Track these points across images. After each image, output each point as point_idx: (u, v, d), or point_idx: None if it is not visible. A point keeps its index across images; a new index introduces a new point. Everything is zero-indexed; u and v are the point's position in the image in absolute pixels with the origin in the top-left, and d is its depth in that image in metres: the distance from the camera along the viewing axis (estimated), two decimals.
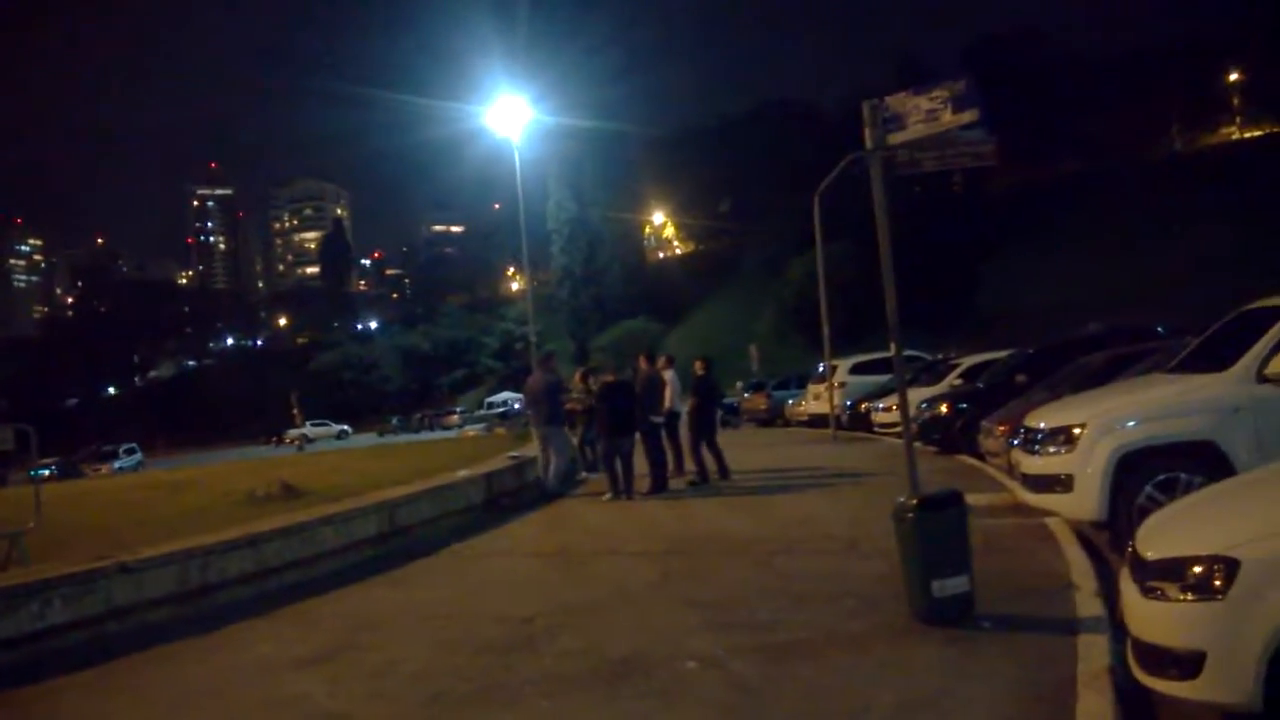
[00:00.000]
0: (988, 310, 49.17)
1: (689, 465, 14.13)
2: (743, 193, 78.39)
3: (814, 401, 23.75)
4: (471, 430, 44.89)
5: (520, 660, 5.50)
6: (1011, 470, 9.15)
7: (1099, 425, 7.14)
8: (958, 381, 16.96)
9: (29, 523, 8.87)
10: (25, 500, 9.33)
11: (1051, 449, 7.48)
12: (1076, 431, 7.25)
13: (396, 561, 9.24)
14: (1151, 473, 6.85)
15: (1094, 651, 4.57)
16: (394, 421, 70.28)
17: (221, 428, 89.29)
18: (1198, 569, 3.67)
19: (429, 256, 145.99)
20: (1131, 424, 7.06)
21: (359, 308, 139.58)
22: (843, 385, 22.00)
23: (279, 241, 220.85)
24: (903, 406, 6.62)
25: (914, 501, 5.40)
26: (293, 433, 61.64)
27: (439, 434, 51.66)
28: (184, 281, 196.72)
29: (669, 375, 14.09)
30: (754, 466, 15.10)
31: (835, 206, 21.26)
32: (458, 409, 70.48)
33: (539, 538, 10.30)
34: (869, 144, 6.24)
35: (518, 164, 27.24)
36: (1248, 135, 68.16)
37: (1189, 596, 3.68)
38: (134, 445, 51.80)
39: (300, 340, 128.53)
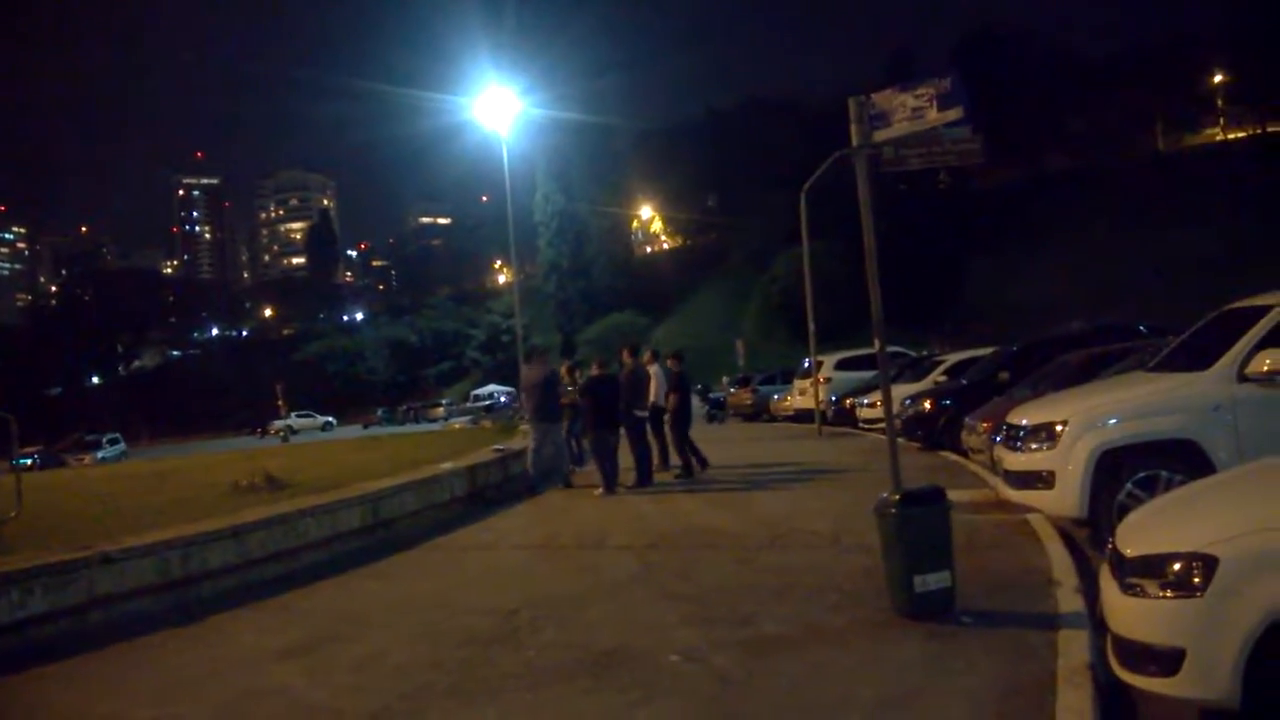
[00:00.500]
0: (972, 307, 49.46)
1: (674, 460, 14.15)
2: (730, 187, 78.55)
3: (799, 397, 23.81)
4: (457, 423, 44.82)
5: (503, 653, 5.50)
6: (994, 467, 9.19)
7: (1080, 423, 7.18)
8: (942, 378, 17.03)
9: (10, 512, 8.81)
10: (6, 489, 9.26)
11: (1033, 446, 7.52)
12: (1058, 429, 7.30)
13: (380, 554, 9.24)
14: (1132, 470, 6.90)
15: (1074, 647, 4.60)
16: (379, 413, 70.12)
17: (206, 418, 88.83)
18: (1177, 566, 3.70)
19: (416, 248, 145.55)
20: (1113, 421, 7.10)
21: (345, 299, 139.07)
22: (828, 381, 22.07)
23: (265, 231, 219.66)
24: (886, 403, 6.64)
25: (897, 497, 5.42)
26: (277, 424, 61.40)
27: (424, 426, 51.54)
28: (169, 271, 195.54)
29: (654, 370, 14.09)
30: (739, 461, 15.14)
31: (822, 202, 21.26)
32: (443, 401, 70.34)
33: (523, 531, 10.31)
34: (855, 140, 6.24)
35: (505, 156, 27.20)
36: (1231, 136, 68.64)
37: (1168, 593, 3.71)
38: (117, 435, 51.46)
39: (286, 331, 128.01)
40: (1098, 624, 4.48)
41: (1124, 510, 6.13)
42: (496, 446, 14.51)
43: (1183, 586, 3.66)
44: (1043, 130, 64.67)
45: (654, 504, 11.24)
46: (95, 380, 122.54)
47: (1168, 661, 3.66)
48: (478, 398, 62.16)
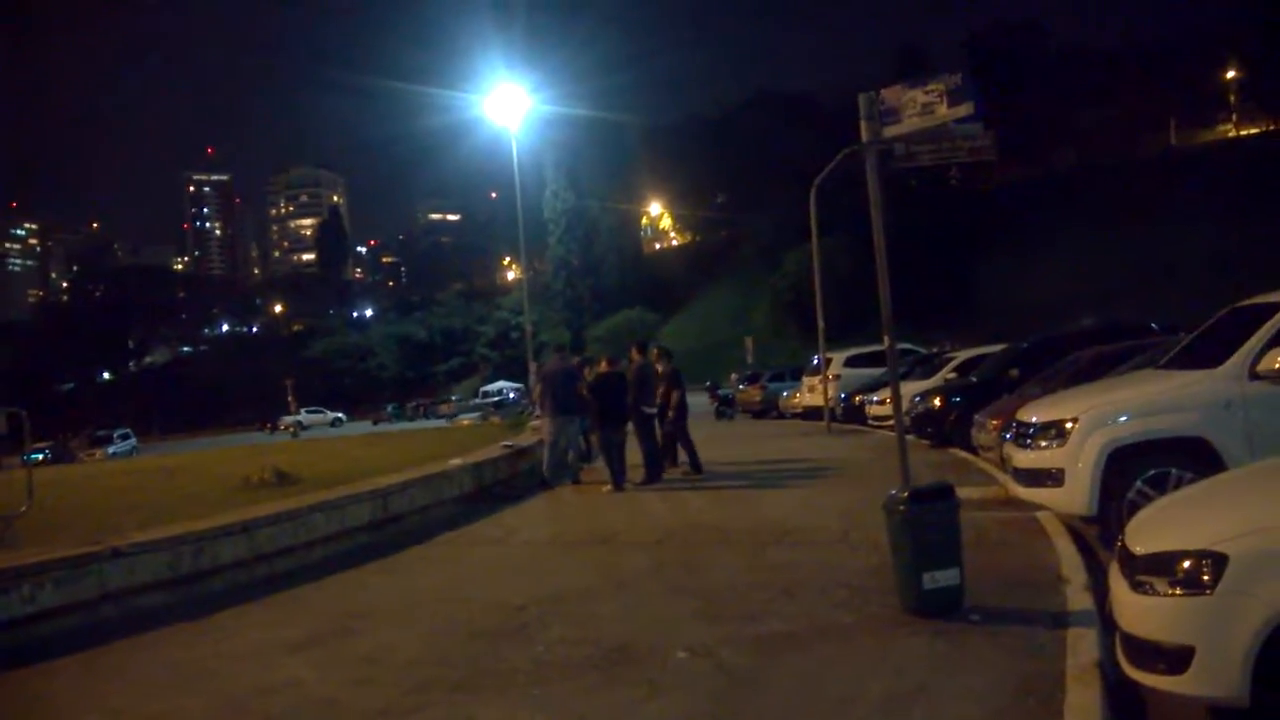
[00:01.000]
0: (983, 304, 49.32)
1: (682, 456, 14.16)
2: (740, 184, 78.43)
3: (808, 394, 23.78)
4: (466, 419, 44.90)
5: (511, 648, 5.51)
6: (1003, 464, 9.17)
7: (1090, 420, 7.15)
8: (951, 375, 17.00)
9: (21, 506, 8.85)
10: (18, 484, 9.29)
11: (1043, 443, 7.49)
12: (1068, 426, 7.27)
13: (389, 549, 9.27)
14: (1142, 468, 6.88)
15: (1083, 645, 4.59)
16: (389, 409, 70.27)
17: (216, 414, 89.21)
18: (1187, 564, 3.68)
19: (425, 245, 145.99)
20: (1123, 419, 7.08)
21: (355, 295, 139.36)
22: (837, 378, 22.03)
23: (275, 228, 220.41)
24: (895, 400, 6.64)
25: (906, 494, 5.41)
26: (287, 420, 61.57)
27: (434, 422, 51.66)
28: (180, 267, 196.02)
29: (662, 367, 14.09)
30: (748, 458, 15.14)
31: (832, 199, 21.26)
32: (453, 397, 70.49)
33: (531, 527, 10.32)
34: (865, 137, 6.23)
35: (515, 153, 27.25)
36: (1244, 133, 68.25)
37: (1178, 591, 3.69)
38: (128, 430, 51.76)
39: (296, 327, 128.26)
40: (1107, 622, 4.47)
41: (1134, 508, 6.10)
42: (505, 443, 14.54)
43: (1192, 584, 3.65)
44: (1054, 127, 64.38)
45: (662, 500, 11.24)
46: (106, 376, 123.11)
47: (1177, 659, 3.64)
48: (487, 394, 62.20)
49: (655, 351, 14.36)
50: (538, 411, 13.75)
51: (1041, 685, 4.18)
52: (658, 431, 13.41)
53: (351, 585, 7.89)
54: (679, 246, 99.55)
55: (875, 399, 18.95)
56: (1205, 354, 7.26)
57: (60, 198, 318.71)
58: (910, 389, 15.81)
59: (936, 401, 14.81)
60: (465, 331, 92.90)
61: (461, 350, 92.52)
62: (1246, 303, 7.34)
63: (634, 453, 12.84)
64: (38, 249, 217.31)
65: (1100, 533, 7.34)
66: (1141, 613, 3.84)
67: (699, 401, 30.96)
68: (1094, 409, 7.29)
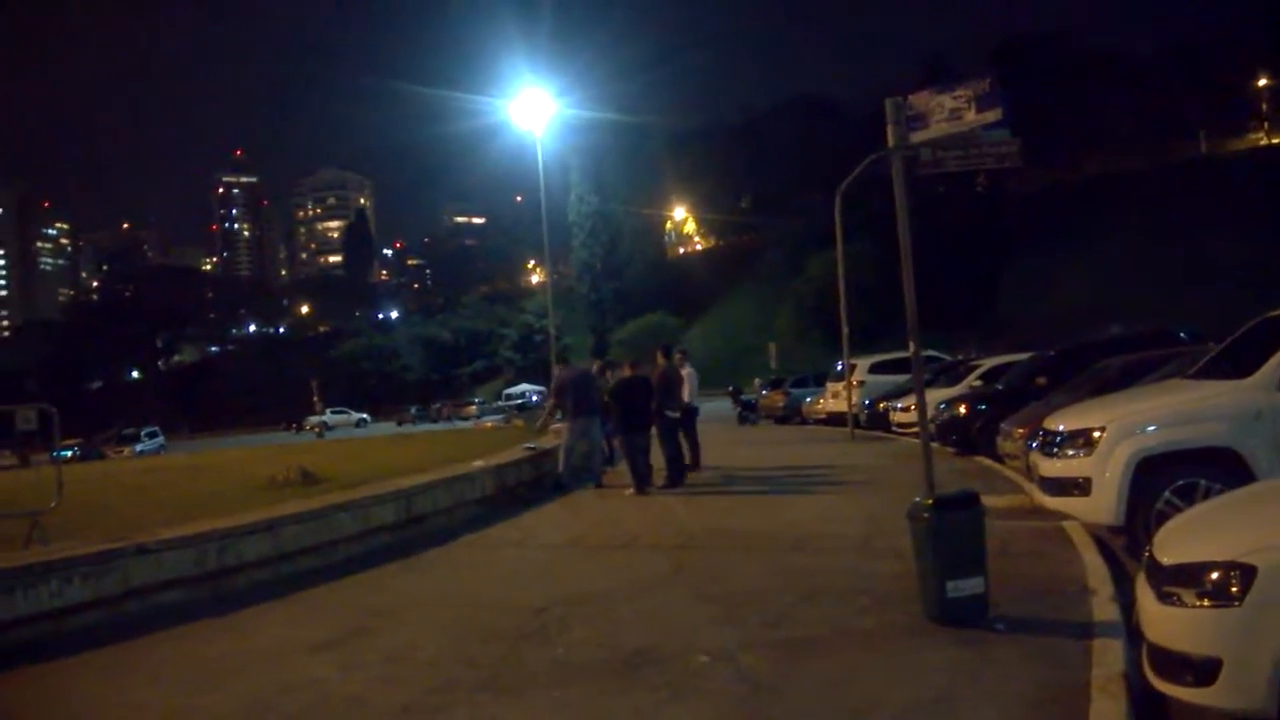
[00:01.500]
0: (1008, 312, 48.97)
1: (705, 460, 14.16)
2: (764, 189, 78.37)
3: (832, 400, 23.67)
4: (489, 421, 45.05)
5: (532, 650, 5.52)
6: (1029, 473, 9.09)
7: (1118, 429, 7.08)
8: (977, 383, 16.87)
9: (50, 503, 8.97)
10: (47, 481, 9.43)
11: (1070, 452, 7.42)
12: (1096, 435, 7.20)
13: (412, 549, 9.31)
14: (1170, 478, 6.79)
15: (1109, 656, 4.54)
16: (413, 411, 70.61)
17: (242, 414, 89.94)
18: (1215, 575, 3.64)
19: (450, 248, 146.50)
20: (1151, 429, 7.00)
21: (380, 297, 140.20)
22: (861, 384, 21.92)
23: (302, 230, 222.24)
24: (920, 406, 6.60)
25: (930, 501, 5.38)
26: (312, 420, 62.02)
27: (457, 424, 51.85)
28: (208, 268, 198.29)
29: (687, 371, 14.08)
30: (770, 463, 15.10)
31: (857, 205, 21.15)
32: (476, 400, 70.74)
33: (553, 529, 10.33)
34: (891, 142, 6.20)
35: (540, 157, 27.31)
36: (1275, 141, 67.42)
37: (1205, 603, 3.65)
38: (156, 429, 52.24)
39: (322, 328, 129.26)
40: (1133, 633, 4.42)
41: (1161, 518, 6.04)
42: (528, 445, 14.56)
43: (1220, 596, 3.60)
44: (1082, 134, 63.86)
45: (684, 505, 11.23)
46: (135, 375, 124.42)
47: (1204, 671, 3.60)
48: (510, 397, 62.46)
49: (679, 355, 14.36)
50: (557, 417, 13.76)
51: (1066, 695, 4.14)
52: (681, 436, 13.43)
53: (374, 585, 7.93)
54: (703, 251, 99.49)
55: (899, 405, 18.84)
56: (1235, 364, 7.18)
57: (91, 198, 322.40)
58: (935, 396, 15.72)
59: (962, 409, 14.71)
60: (489, 334, 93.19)
61: (485, 353, 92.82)
62: (1276, 313, 7.25)
63: (656, 457, 12.84)
64: (69, 248, 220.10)
65: (1127, 543, 7.26)
66: (1169, 624, 3.80)
67: (722, 406, 30.93)
68: (1122, 418, 7.21)
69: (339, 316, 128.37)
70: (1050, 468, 7.70)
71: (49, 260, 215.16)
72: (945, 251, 45.07)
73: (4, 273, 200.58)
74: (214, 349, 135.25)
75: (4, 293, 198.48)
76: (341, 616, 6.75)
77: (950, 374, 19.10)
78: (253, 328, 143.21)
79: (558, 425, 13.65)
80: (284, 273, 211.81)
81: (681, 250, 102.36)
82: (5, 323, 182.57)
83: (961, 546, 5.27)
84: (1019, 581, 6.04)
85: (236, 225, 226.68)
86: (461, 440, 21.93)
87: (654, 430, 12.87)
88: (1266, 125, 69.71)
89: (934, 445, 7.36)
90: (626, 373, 13.23)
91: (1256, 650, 3.47)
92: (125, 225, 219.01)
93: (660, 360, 13.98)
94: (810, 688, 4.54)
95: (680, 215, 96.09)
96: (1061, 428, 7.74)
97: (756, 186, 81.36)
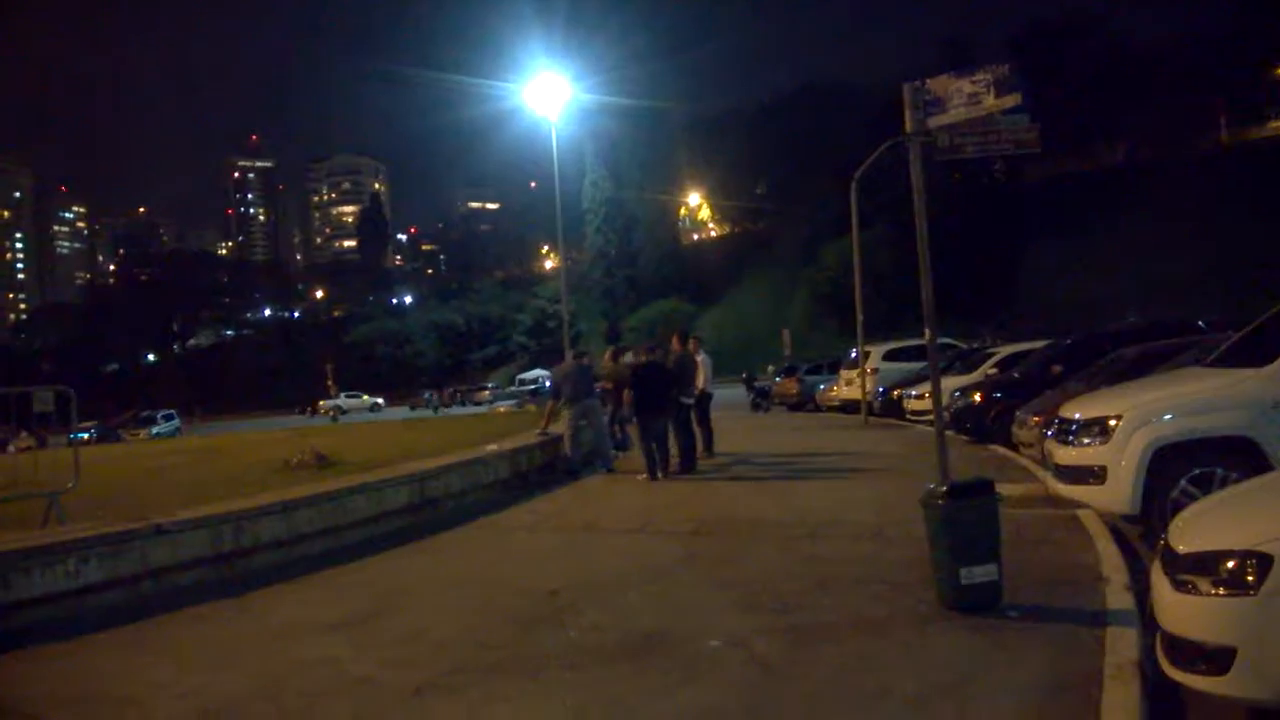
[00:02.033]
0: (1025, 300, 48.65)
1: (719, 447, 14.16)
2: (780, 175, 77.96)
3: (846, 387, 23.61)
4: (502, 406, 45.13)
5: (545, 632, 5.54)
6: (1044, 461, 9.05)
7: (1135, 418, 7.04)
8: (992, 371, 16.79)
9: (68, 483, 9.05)
10: (64, 462, 9.51)
11: (1086, 440, 7.38)
12: (1112, 423, 7.16)
13: (425, 532, 9.36)
14: (1187, 467, 6.76)
15: (1122, 644, 4.53)
16: (426, 396, 70.81)
17: (257, 397, 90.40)
18: (1230, 564, 3.62)
19: (464, 233, 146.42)
20: (1168, 417, 6.96)
21: (394, 282, 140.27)
22: (875, 371, 21.86)
23: (317, 214, 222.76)
24: (935, 394, 6.58)
25: (944, 489, 5.36)
26: (326, 404, 62.29)
27: (470, 409, 51.99)
28: (223, 252, 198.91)
29: (701, 357, 14.07)
30: (783, 450, 15.08)
31: (873, 191, 21.07)
32: (489, 385, 70.85)
33: (566, 513, 10.35)
34: (909, 126, 6.16)
35: (555, 142, 27.24)
36: None
37: (1221, 591, 3.64)
38: (172, 411, 52.57)
39: (336, 313, 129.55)
40: (1147, 621, 4.41)
41: (1177, 507, 6.00)
42: (541, 430, 14.60)
43: (1236, 584, 3.59)
44: (1101, 122, 63.26)
45: (697, 490, 11.23)
46: (151, 358, 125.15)
47: (1218, 660, 3.59)
48: (523, 382, 62.46)
49: (693, 342, 14.34)
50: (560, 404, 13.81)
51: (1079, 683, 4.13)
52: (694, 422, 13.43)
53: (388, 567, 7.97)
54: (717, 238, 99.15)
55: (914, 393, 18.78)
56: (1253, 353, 7.12)
57: (108, 182, 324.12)
58: (950, 384, 15.65)
59: (977, 397, 14.65)
60: (502, 320, 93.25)
61: (498, 338, 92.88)
62: None
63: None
64: (85, 232, 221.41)
65: (1142, 532, 7.24)
66: (1183, 612, 3.78)
67: (735, 393, 30.92)
68: (1138, 406, 7.17)
69: (353, 301, 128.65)
70: (1066, 456, 7.66)
71: (66, 243, 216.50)
72: (962, 239, 44.81)
73: (21, 256, 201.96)
74: (229, 333, 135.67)
75: (21, 276, 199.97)
76: (355, 598, 6.79)
77: (965, 362, 19.01)
78: (267, 312, 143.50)
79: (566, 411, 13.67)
80: (299, 257, 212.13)
81: (696, 237, 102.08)
82: (23, 305, 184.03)
83: (975, 534, 5.26)
84: (1033, 569, 6.02)
85: (251, 210, 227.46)
86: (475, 425, 22.00)
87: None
88: None
89: (948, 433, 7.33)
90: (642, 358, 13.23)
91: (1271, 639, 3.46)
92: (141, 209, 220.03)
93: (676, 346, 13.97)
94: (822, 673, 4.54)
95: (695, 201, 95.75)
96: (1077, 416, 7.70)
97: (772, 173, 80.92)
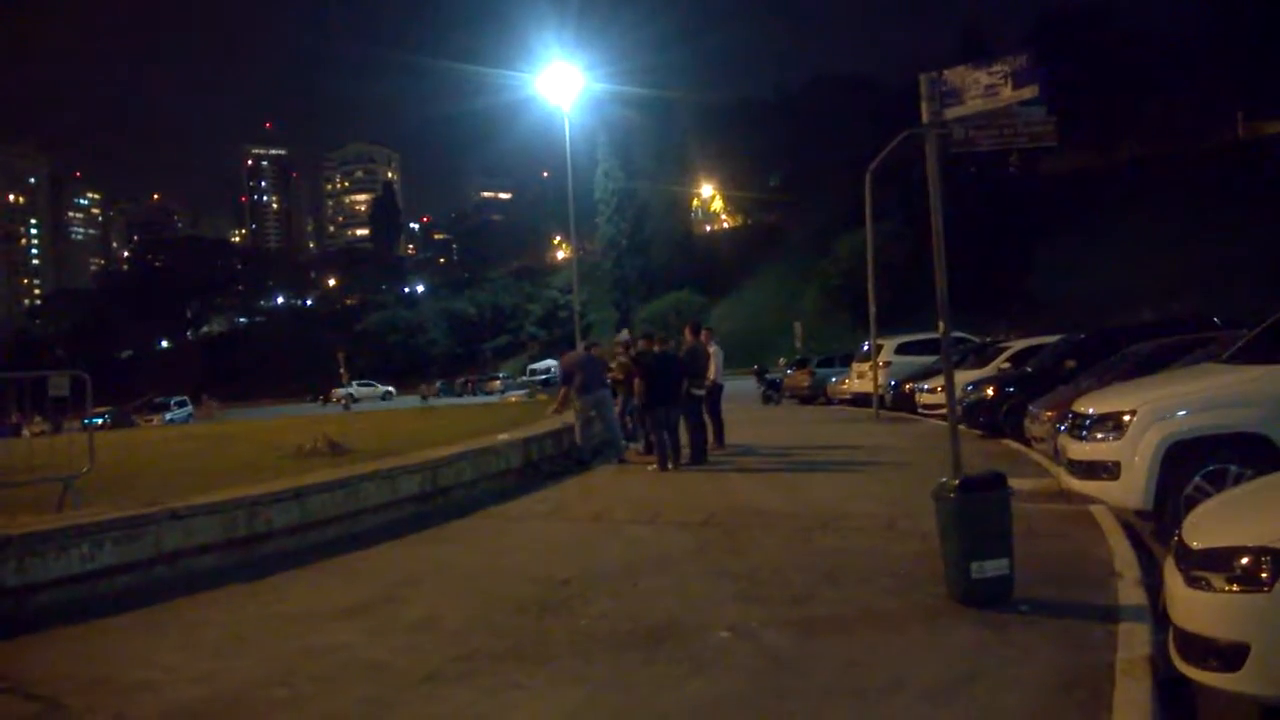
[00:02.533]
0: (1038, 295, 48.40)
1: (729, 439, 14.14)
2: (793, 167, 77.70)
3: (858, 380, 23.56)
4: (514, 396, 45.22)
5: (556, 621, 5.56)
6: (1057, 456, 9.02)
7: (1149, 413, 7.01)
8: (1005, 365, 16.74)
9: (83, 468, 9.11)
10: (79, 446, 9.55)
11: (1099, 435, 7.35)
12: (1126, 419, 7.13)
13: (437, 520, 9.39)
14: (1201, 463, 6.73)
15: (1134, 640, 4.52)
16: (438, 385, 70.92)
17: (270, 384, 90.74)
18: (1244, 560, 3.61)
19: (476, 222, 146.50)
20: (1182, 413, 6.93)
21: (407, 271, 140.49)
22: (888, 364, 21.81)
23: (330, 203, 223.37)
24: (949, 387, 6.56)
25: (956, 482, 5.35)
26: (339, 392, 62.44)
27: (481, 399, 52.10)
28: (237, 240, 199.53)
29: (712, 349, 14.06)
30: (794, 443, 15.08)
31: (886, 184, 20.97)
32: (501, 374, 70.93)
33: (577, 503, 10.38)
34: (925, 118, 6.13)
35: (567, 132, 27.25)
36: None
37: (1234, 588, 3.62)
38: (185, 398, 52.81)
39: (349, 301, 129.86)
40: (1159, 618, 4.39)
41: (1190, 504, 5.97)
42: (555, 410, 14.64)
43: (1249, 581, 3.57)
44: (1117, 116, 62.79)
45: (708, 482, 11.24)
46: (164, 344, 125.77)
47: (1231, 656, 3.57)
48: (534, 372, 62.51)
49: (705, 333, 14.32)
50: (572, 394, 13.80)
51: (1090, 678, 4.13)
52: (705, 413, 13.43)
53: (399, 554, 8.01)
54: (730, 229, 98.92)
55: (926, 387, 18.73)
56: (1268, 349, 7.09)
57: (122, 169, 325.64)
58: (963, 378, 15.58)
59: (990, 391, 14.60)
60: (514, 309, 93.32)
61: (510, 328, 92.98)
62: None
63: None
64: (100, 218, 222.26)
65: (1155, 528, 7.21)
66: (1196, 608, 3.77)
67: (746, 386, 30.87)
68: (1153, 402, 7.14)
69: (366, 289, 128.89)
70: (1079, 451, 7.63)
71: (80, 230, 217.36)
72: (976, 233, 44.59)
73: (36, 242, 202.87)
74: (242, 320, 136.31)
75: (36, 261, 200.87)
76: (367, 584, 6.82)
77: (979, 356, 18.95)
78: (280, 299, 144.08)
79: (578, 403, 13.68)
80: (312, 245, 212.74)
81: (708, 228, 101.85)
82: (37, 291, 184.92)
83: (987, 528, 5.25)
84: (1044, 564, 6.01)
85: (265, 197, 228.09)
86: (487, 414, 22.06)
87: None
88: None
89: (960, 427, 7.31)
90: (655, 348, 13.22)
91: None
92: (155, 196, 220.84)
93: (688, 336, 13.96)
94: (831, 666, 4.54)
95: (708, 193, 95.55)
96: (1091, 411, 7.67)
97: (785, 164, 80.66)
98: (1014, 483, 5.65)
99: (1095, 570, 5.93)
